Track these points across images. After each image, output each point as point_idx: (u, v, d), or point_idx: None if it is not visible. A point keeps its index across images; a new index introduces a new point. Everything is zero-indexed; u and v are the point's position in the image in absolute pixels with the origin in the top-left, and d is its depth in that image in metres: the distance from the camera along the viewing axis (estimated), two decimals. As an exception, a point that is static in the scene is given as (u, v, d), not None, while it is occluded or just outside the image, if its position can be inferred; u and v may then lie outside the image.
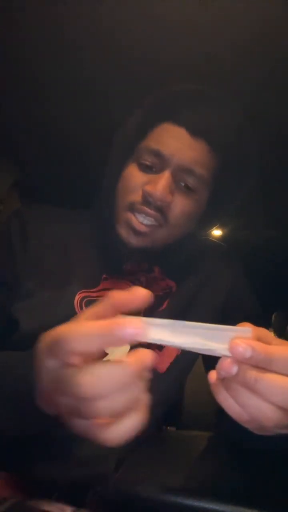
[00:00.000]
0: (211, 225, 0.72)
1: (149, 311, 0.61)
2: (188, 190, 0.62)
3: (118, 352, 0.46)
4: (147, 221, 0.61)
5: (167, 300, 0.64)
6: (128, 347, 0.36)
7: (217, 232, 2.07)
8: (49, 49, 0.89)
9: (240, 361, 0.30)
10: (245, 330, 0.31)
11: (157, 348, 0.62)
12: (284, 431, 0.33)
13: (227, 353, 0.30)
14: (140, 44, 0.84)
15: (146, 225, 0.61)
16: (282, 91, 0.92)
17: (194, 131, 0.61)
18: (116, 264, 0.65)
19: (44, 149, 1.31)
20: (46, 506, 0.33)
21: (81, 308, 0.57)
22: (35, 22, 0.82)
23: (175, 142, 0.61)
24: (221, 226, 1.98)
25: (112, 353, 0.45)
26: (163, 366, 0.61)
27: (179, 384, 0.66)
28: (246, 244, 1.95)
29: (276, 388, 0.30)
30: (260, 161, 0.65)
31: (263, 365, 0.30)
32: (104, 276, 0.62)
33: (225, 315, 0.66)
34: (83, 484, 0.42)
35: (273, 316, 2.36)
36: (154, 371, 0.61)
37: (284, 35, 0.77)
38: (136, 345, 0.31)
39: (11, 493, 0.38)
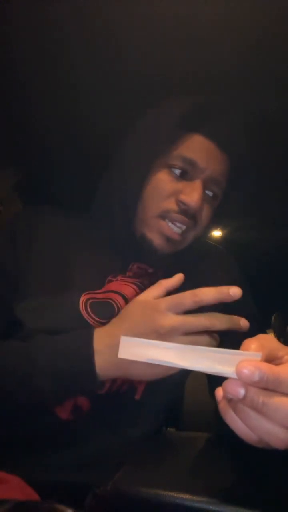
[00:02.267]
0: (213, 227, 0.75)
1: None
2: (211, 198, 0.66)
3: None
4: (179, 228, 0.63)
5: None
6: None
7: (216, 234, 2.07)
8: (49, 49, 0.89)
9: (248, 384, 0.30)
10: (255, 354, 0.30)
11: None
12: None
13: (235, 376, 0.29)
14: (141, 46, 0.84)
15: (178, 233, 0.63)
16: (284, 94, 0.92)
17: (223, 147, 0.64)
18: (122, 265, 0.65)
19: (45, 150, 1.32)
20: (46, 507, 0.33)
21: (86, 309, 0.57)
22: (34, 22, 0.82)
23: (208, 154, 0.63)
24: (220, 227, 1.98)
25: None
26: None
27: (179, 386, 0.66)
28: (246, 245, 1.95)
29: (285, 411, 0.29)
30: (264, 169, 0.70)
31: (271, 387, 0.30)
32: (109, 278, 0.63)
33: None
34: (83, 485, 0.42)
35: (273, 317, 2.36)
36: None
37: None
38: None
39: (10, 494, 0.38)
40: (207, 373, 0.31)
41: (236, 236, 1.98)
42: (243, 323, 0.46)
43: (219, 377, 0.32)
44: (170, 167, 0.63)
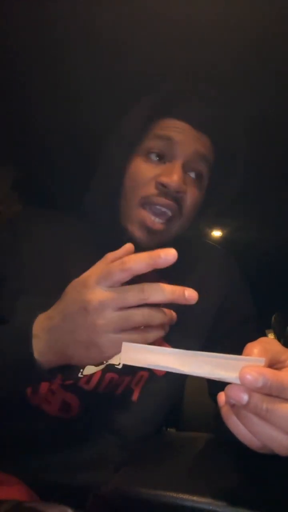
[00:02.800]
0: (206, 217, 0.72)
1: None
2: (196, 179, 0.64)
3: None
4: (162, 216, 0.61)
5: (165, 304, 0.64)
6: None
7: (216, 234, 2.07)
8: (49, 49, 0.89)
9: (251, 390, 0.29)
10: (258, 360, 0.30)
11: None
12: None
13: (237, 380, 0.29)
14: (140, 45, 0.84)
15: (160, 223, 0.60)
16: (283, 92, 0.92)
17: (197, 125, 0.63)
18: None
19: (44, 150, 1.31)
20: (46, 507, 0.33)
21: None
22: (32, 23, 0.82)
23: (183, 132, 0.62)
24: (220, 227, 1.98)
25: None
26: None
27: (178, 387, 0.66)
28: (246, 246, 1.95)
29: None
30: (250, 153, 0.67)
31: (275, 393, 0.29)
32: None
33: (222, 318, 0.66)
34: (83, 485, 0.42)
35: (273, 317, 2.36)
36: (153, 374, 0.61)
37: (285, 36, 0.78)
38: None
39: (10, 495, 0.38)
40: (209, 378, 0.31)
41: (236, 236, 1.98)
42: (189, 294, 0.40)
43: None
44: (147, 152, 0.62)
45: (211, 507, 0.37)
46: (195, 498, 0.38)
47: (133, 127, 0.63)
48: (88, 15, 0.79)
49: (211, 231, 2.05)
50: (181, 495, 0.39)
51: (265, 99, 0.92)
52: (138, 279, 0.65)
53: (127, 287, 0.40)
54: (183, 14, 0.75)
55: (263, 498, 0.39)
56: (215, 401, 0.63)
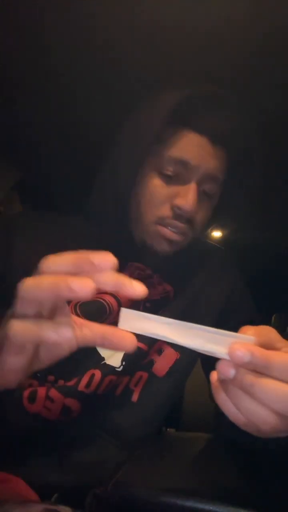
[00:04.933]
0: (213, 224, 0.73)
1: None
2: (207, 195, 0.63)
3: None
4: (177, 233, 0.61)
5: (166, 305, 0.64)
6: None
7: (216, 234, 2.07)
8: (50, 50, 0.89)
9: (239, 365, 0.30)
10: (248, 338, 0.31)
11: (156, 352, 0.62)
12: (282, 435, 0.32)
13: (227, 356, 0.30)
14: (139, 47, 0.84)
15: (178, 234, 0.61)
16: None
17: (216, 140, 0.60)
18: (118, 266, 0.64)
19: (45, 150, 1.32)
20: (46, 507, 0.33)
21: (75, 310, 0.57)
22: (33, 22, 0.82)
23: (200, 151, 0.59)
24: (220, 228, 1.98)
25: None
26: (163, 370, 0.61)
27: (178, 387, 0.66)
28: (246, 246, 1.95)
29: (272, 394, 0.30)
30: (266, 163, 0.66)
31: (261, 370, 0.30)
32: None
33: (223, 319, 0.66)
34: (83, 485, 0.42)
35: (273, 317, 2.36)
36: (153, 375, 0.61)
37: None
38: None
39: (10, 495, 0.38)
40: (200, 351, 0.32)
41: (236, 236, 1.99)
42: (137, 287, 0.33)
43: (214, 364, 0.33)
44: (161, 170, 0.60)
45: (211, 507, 0.37)
46: (194, 498, 0.38)
47: (145, 138, 0.59)
48: (89, 15, 0.79)
49: (211, 232, 2.05)
50: (181, 496, 0.39)
51: (270, 100, 0.92)
52: (139, 280, 0.65)
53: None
54: (187, 18, 0.75)
55: (263, 498, 0.39)
56: (215, 403, 0.63)
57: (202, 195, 0.62)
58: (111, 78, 0.95)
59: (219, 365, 0.31)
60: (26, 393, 0.54)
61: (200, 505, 0.38)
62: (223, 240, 2.07)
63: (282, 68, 0.79)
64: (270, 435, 0.32)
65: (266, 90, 0.86)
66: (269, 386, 0.30)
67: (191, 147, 0.59)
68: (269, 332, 0.34)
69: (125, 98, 0.76)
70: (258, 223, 1.84)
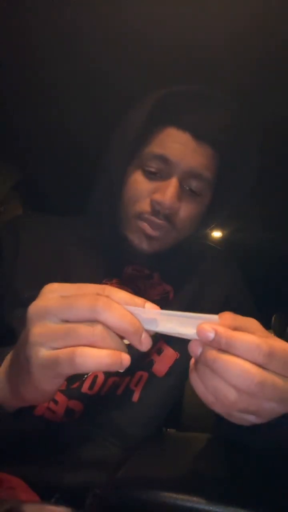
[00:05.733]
0: (211, 224, 0.72)
1: None
2: (193, 193, 0.62)
3: None
4: (157, 229, 0.61)
5: (165, 305, 0.64)
6: None
7: (216, 234, 2.07)
8: (51, 50, 0.89)
9: (206, 344, 0.32)
10: (213, 317, 0.33)
11: (156, 352, 0.62)
12: (249, 418, 0.34)
13: (196, 337, 0.32)
14: (142, 44, 0.84)
15: (158, 230, 0.61)
16: (282, 89, 0.92)
17: (199, 136, 0.60)
18: (116, 269, 0.65)
19: (46, 151, 1.32)
20: (46, 507, 0.33)
21: None
22: (34, 22, 0.82)
23: (181, 147, 0.59)
24: (220, 228, 1.98)
25: None
26: (162, 370, 0.61)
27: (178, 388, 0.66)
28: (246, 246, 1.95)
29: (233, 369, 0.31)
30: (260, 160, 0.65)
31: (225, 348, 0.31)
32: (104, 281, 0.62)
33: None
34: (83, 485, 0.42)
35: (273, 317, 2.36)
36: (153, 375, 0.61)
37: (283, 31, 0.77)
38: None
39: (10, 495, 0.38)
40: (172, 335, 0.34)
41: (236, 237, 1.99)
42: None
43: None
44: (144, 167, 0.61)
45: (211, 508, 0.37)
46: (195, 498, 0.38)
47: (129, 137, 0.61)
48: (89, 14, 0.79)
49: (211, 232, 2.05)
50: (181, 496, 0.39)
51: (269, 102, 0.92)
52: (139, 280, 0.65)
53: (80, 288, 0.34)
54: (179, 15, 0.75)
55: (263, 498, 0.39)
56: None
57: (186, 192, 0.61)
58: (110, 80, 0.95)
59: (190, 345, 0.33)
60: None
61: (200, 505, 0.37)
62: (223, 240, 2.07)
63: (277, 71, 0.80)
64: (240, 417, 0.34)
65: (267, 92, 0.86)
66: (229, 361, 0.31)
67: (172, 144, 0.59)
68: (249, 321, 0.35)
69: (123, 99, 0.76)
70: (258, 224, 1.84)
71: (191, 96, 0.60)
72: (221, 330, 0.31)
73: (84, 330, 0.31)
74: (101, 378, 0.56)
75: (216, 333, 0.31)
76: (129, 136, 0.60)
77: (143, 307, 0.34)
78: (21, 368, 0.34)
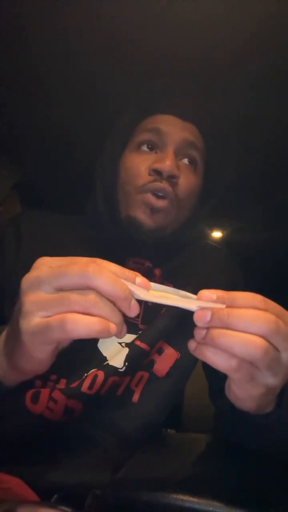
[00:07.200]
0: (206, 208, 0.74)
1: (149, 315, 0.61)
2: (189, 165, 0.67)
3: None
4: (162, 198, 0.63)
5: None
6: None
7: (216, 234, 2.07)
8: (52, 51, 0.89)
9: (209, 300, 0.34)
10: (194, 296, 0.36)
11: (156, 352, 0.62)
12: (252, 401, 0.36)
13: (195, 307, 0.34)
14: (142, 44, 0.84)
15: (162, 201, 0.63)
16: (280, 87, 0.92)
17: (182, 116, 0.67)
18: (117, 263, 0.64)
19: (45, 151, 1.32)
20: (46, 508, 0.33)
21: None
22: (34, 22, 0.82)
23: (169, 123, 0.66)
24: (220, 228, 1.98)
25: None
26: (163, 371, 0.61)
27: (179, 388, 0.66)
28: (246, 247, 1.95)
29: (247, 319, 0.33)
30: (242, 145, 0.72)
31: (228, 304, 0.35)
32: None
33: None
34: (83, 485, 0.42)
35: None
36: (154, 375, 0.61)
37: (281, 32, 0.79)
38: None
39: (10, 495, 0.38)
40: (172, 306, 0.35)
41: (236, 237, 1.99)
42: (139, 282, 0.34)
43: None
44: (138, 145, 0.66)
45: (211, 508, 0.37)
46: (195, 499, 0.38)
47: (123, 125, 0.68)
48: (89, 14, 0.79)
49: (211, 232, 2.05)
50: (181, 496, 0.38)
51: (263, 93, 0.93)
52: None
53: (72, 259, 0.34)
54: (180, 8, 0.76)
55: (263, 499, 0.39)
56: (215, 405, 0.63)
57: (182, 164, 0.66)
58: (111, 78, 0.95)
59: (196, 314, 0.34)
60: (29, 394, 0.54)
61: (200, 506, 0.37)
62: (223, 240, 2.07)
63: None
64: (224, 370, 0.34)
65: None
66: (228, 333, 0.33)
67: (161, 120, 0.67)
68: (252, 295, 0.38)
69: (125, 97, 0.77)
70: (258, 223, 1.84)
71: (171, 88, 0.69)
72: (223, 293, 0.35)
73: (77, 296, 0.31)
74: (101, 377, 0.56)
75: (219, 296, 0.34)
76: (122, 125, 0.68)
77: (134, 281, 0.34)
78: (16, 339, 0.35)
